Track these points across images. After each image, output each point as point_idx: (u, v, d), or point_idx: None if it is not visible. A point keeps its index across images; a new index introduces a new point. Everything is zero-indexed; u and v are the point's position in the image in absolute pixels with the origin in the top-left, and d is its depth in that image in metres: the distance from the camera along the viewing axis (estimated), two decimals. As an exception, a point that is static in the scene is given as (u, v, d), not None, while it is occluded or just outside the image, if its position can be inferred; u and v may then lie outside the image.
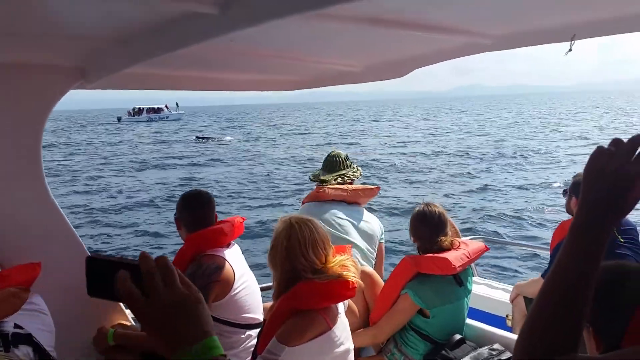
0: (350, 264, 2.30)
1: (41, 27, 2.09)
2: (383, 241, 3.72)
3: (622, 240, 3.20)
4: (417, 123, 68.72)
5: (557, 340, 1.00)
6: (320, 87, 3.50)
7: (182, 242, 2.99)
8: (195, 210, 2.96)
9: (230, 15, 1.57)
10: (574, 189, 3.52)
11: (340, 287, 2.21)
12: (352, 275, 2.24)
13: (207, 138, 49.32)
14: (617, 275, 1.21)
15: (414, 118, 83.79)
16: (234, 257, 2.95)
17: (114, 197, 20.64)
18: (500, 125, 55.66)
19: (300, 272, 2.23)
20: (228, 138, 49.14)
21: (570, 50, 2.04)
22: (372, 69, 2.98)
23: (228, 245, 2.98)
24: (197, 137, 50.63)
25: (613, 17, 1.97)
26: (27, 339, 2.08)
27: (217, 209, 3.06)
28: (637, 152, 0.98)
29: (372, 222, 3.65)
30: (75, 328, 2.84)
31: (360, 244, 3.49)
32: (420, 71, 2.97)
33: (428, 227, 3.03)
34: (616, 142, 1.00)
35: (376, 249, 3.62)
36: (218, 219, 3.05)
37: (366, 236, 3.56)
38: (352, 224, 3.54)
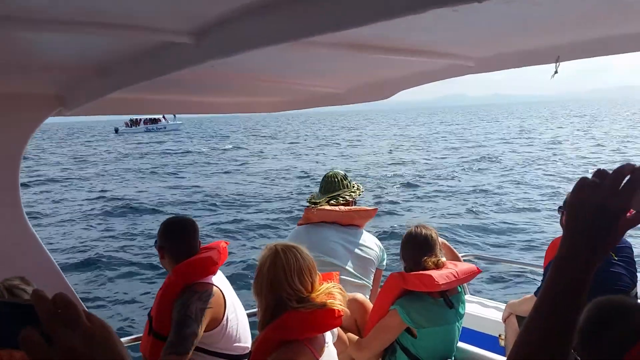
0: (337, 292, 2.24)
1: (19, 57, 2.05)
2: (383, 267, 3.56)
3: (616, 258, 3.16)
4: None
5: None
6: (305, 108, 3.47)
7: (164, 269, 2.91)
8: (180, 239, 2.88)
9: (205, 45, 1.54)
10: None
11: (326, 317, 2.15)
12: (339, 304, 2.18)
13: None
14: (605, 315, 1.17)
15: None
16: (223, 285, 2.88)
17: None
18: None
19: (286, 301, 2.17)
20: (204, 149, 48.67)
21: (556, 72, 2.02)
22: (356, 91, 2.96)
23: (215, 273, 2.91)
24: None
25: (597, 39, 1.95)
26: None
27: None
28: (622, 185, 0.94)
29: (370, 246, 3.47)
30: None
31: (352, 269, 3.34)
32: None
33: (413, 248, 3.00)
34: (600, 173, 0.97)
35: (373, 275, 3.46)
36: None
37: (361, 261, 3.40)
38: (345, 247, 3.40)
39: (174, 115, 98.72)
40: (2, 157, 2.68)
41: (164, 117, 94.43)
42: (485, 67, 2.28)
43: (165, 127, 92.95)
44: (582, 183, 0.98)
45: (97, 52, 1.95)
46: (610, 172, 0.96)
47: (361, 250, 3.43)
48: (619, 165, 0.95)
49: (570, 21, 1.81)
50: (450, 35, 1.97)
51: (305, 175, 27.99)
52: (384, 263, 3.59)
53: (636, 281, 3.30)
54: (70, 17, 1.45)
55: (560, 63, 1.99)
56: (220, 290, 2.77)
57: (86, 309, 0.86)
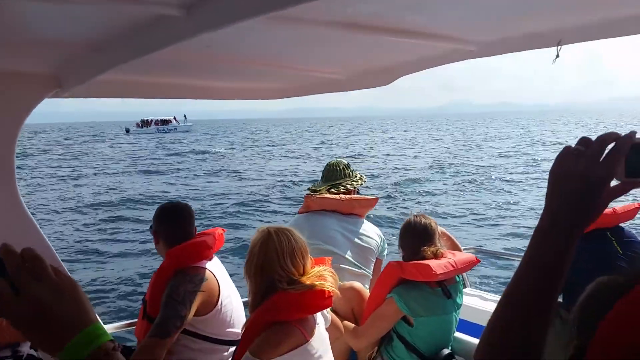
0: (328, 274, 2.23)
1: (12, 34, 2.02)
2: (383, 257, 3.53)
3: (620, 252, 3.10)
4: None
5: (517, 342, 0.92)
6: (306, 95, 3.42)
7: (158, 254, 2.89)
8: (176, 224, 2.86)
9: (195, 17, 1.51)
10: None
11: (315, 297, 2.14)
12: (329, 285, 2.16)
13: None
14: (595, 289, 1.13)
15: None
16: (218, 270, 2.86)
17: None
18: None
19: (277, 282, 2.15)
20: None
21: (557, 56, 1.98)
22: (356, 76, 2.91)
23: (210, 259, 2.88)
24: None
25: (599, 21, 1.91)
26: None
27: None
28: (606, 152, 0.91)
29: (370, 235, 3.45)
30: None
31: (351, 258, 3.31)
32: (409, 87, 2.98)
33: (412, 237, 2.96)
34: (584, 141, 0.93)
35: (373, 264, 3.43)
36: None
37: (361, 250, 3.37)
38: (345, 236, 3.37)
39: (185, 117, 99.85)
40: None
41: (174, 118, 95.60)
42: (487, 51, 2.23)
43: (176, 129, 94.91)
44: (566, 151, 0.94)
45: (89, 27, 1.92)
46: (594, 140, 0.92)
47: (361, 239, 3.40)
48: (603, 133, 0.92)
49: (572, 3, 1.77)
50: (451, 17, 1.93)
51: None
52: (385, 253, 3.56)
53: None
54: None
55: (562, 47, 1.94)
56: (214, 276, 2.75)
57: (60, 266, 0.88)
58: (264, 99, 3.69)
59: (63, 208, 19.61)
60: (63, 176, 30.03)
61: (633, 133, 0.85)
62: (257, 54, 2.51)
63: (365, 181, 3.68)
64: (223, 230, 3.04)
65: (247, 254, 2.25)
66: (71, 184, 26.96)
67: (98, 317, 0.93)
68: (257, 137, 76.66)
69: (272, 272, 2.16)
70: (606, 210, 3.22)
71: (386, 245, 3.57)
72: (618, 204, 3.23)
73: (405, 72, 2.70)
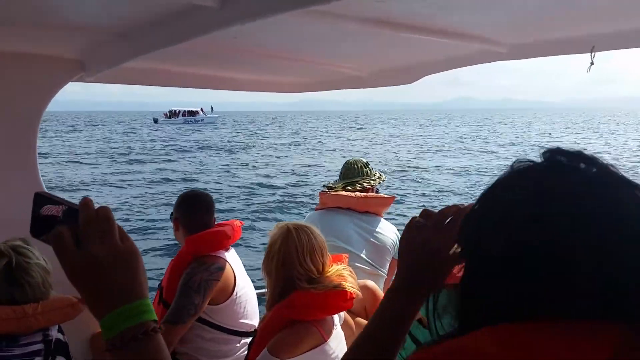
0: (347, 274, 2.20)
1: (40, 17, 2.03)
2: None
3: None
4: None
5: None
6: (328, 90, 3.41)
7: (177, 241, 2.90)
8: (197, 212, 2.87)
9: (229, 8, 1.50)
10: None
11: (337, 298, 2.11)
12: (350, 286, 2.14)
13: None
14: None
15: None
16: (234, 261, 2.87)
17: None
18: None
19: (296, 280, 2.13)
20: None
21: (592, 63, 1.94)
22: (381, 74, 2.89)
23: (227, 249, 2.89)
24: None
25: (633, 29, 1.87)
26: (65, 349, 2.14)
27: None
28: (445, 224, 0.99)
29: (387, 234, 3.40)
30: (71, 326, 2.76)
31: (366, 257, 3.29)
32: (416, 82, 2.88)
33: None
34: (425, 214, 1.03)
35: (388, 264, 3.40)
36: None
37: (376, 249, 3.33)
38: (360, 234, 3.34)
39: (212, 108, 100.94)
40: (21, 118, 2.67)
41: (202, 109, 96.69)
42: (517, 54, 2.20)
43: (202, 120, 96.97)
44: (410, 223, 1.04)
45: (118, 14, 1.91)
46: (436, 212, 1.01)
47: (377, 238, 3.37)
48: (445, 206, 1.00)
49: (607, 10, 1.74)
50: (484, 17, 1.90)
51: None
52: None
53: None
54: None
55: (595, 54, 1.91)
56: (231, 266, 2.76)
57: (126, 233, 0.89)
58: (285, 92, 3.68)
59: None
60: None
61: (472, 204, 0.86)
62: (282, 48, 2.49)
63: (384, 180, 3.66)
64: (241, 222, 3.05)
65: (266, 250, 2.23)
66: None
67: None
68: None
69: (292, 269, 2.13)
70: None
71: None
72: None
73: (431, 71, 2.67)
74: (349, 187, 3.50)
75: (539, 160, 0.74)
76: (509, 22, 1.94)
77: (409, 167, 30.09)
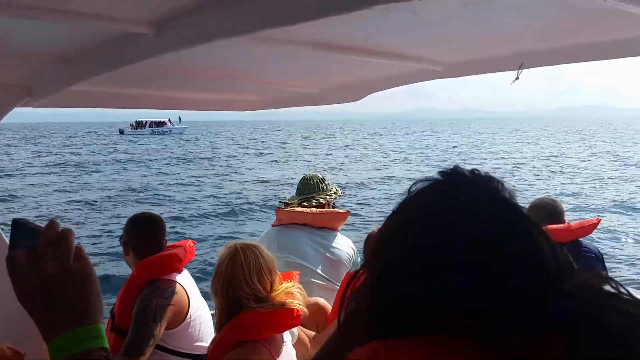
0: (296, 291, 2.24)
1: None
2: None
3: (576, 265, 3.18)
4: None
5: None
6: (281, 107, 3.46)
7: (129, 267, 2.87)
8: (147, 236, 2.84)
9: (164, 36, 1.53)
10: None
11: (284, 316, 2.14)
12: (297, 303, 2.17)
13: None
14: None
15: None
16: (188, 283, 2.85)
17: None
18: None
19: (243, 300, 2.15)
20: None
21: (517, 78, 2.05)
22: (330, 92, 2.96)
23: (180, 271, 2.88)
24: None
25: (559, 47, 1.98)
26: None
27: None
28: None
29: (342, 249, 3.45)
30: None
31: (322, 272, 3.32)
32: (378, 92, 2.97)
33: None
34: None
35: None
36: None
37: (331, 263, 3.37)
38: (317, 250, 3.38)
39: (179, 119, 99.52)
40: None
41: (169, 120, 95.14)
42: (453, 72, 2.29)
43: (170, 131, 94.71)
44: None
45: (61, 41, 1.92)
46: None
47: (333, 253, 3.41)
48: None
49: (535, 29, 1.84)
50: (419, 39, 1.98)
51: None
52: (358, 265, 3.57)
53: None
54: (29, 2, 1.43)
55: (522, 71, 2.01)
56: (184, 289, 2.74)
57: (82, 250, 0.88)
58: (241, 110, 3.71)
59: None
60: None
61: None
62: (232, 69, 2.53)
63: (340, 195, 3.71)
64: (194, 242, 3.04)
65: (214, 272, 2.25)
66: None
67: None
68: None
69: (238, 289, 2.16)
70: (561, 226, 3.34)
71: (359, 259, 3.58)
72: (581, 217, 3.35)
73: (376, 89, 2.75)
74: (305, 203, 3.53)
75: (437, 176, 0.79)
76: (442, 42, 2.03)
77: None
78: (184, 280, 2.81)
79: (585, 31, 1.76)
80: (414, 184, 0.81)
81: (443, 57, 2.22)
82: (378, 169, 34.03)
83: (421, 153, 49.47)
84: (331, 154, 46.92)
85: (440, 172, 0.80)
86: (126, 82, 2.65)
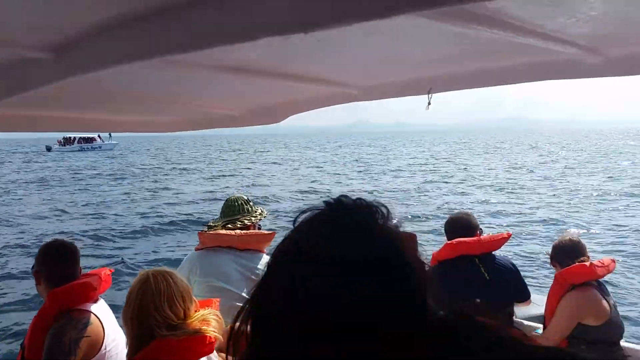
0: (212, 318, 2.19)
1: None
2: None
3: (488, 278, 3.31)
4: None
5: None
6: (202, 129, 3.42)
7: (41, 297, 2.72)
8: (59, 264, 2.71)
9: (65, 60, 1.48)
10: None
11: (197, 344, 2.09)
12: (212, 330, 2.13)
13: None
14: None
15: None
16: (103, 313, 2.73)
17: None
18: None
19: (155, 328, 2.09)
20: None
21: (429, 103, 2.13)
22: (250, 114, 2.96)
23: (95, 301, 2.75)
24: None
25: (464, 73, 2.08)
26: None
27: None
28: None
29: None
30: None
31: (247, 294, 3.27)
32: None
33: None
34: None
35: None
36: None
37: None
38: (242, 273, 3.31)
39: (110, 134, 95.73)
40: None
41: (99, 136, 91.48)
42: (368, 95, 2.36)
43: (100, 147, 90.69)
44: None
45: None
46: None
47: (258, 275, 3.36)
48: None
49: (440, 56, 1.93)
50: (334, 63, 2.03)
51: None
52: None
53: (512, 300, 3.48)
54: None
55: (433, 95, 2.10)
56: (99, 319, 2.62)
57: None
58: (159, 132, 3.63)
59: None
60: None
61: None
62: (144, 92, 2.48)
63: (265, 216, 3.68)
64: (110, 270, 2.93)
65: (125, 300, 2.17)
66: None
67: None
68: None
69: (149, 317, 2.09)
70: (471, 239, 3.44)
71: None
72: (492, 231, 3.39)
73: (296, 111, 2.78)
74: (229, 225, 3.48)
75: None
76: (357, 67, 2.09)
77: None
78: (99, 310, 2.69)
79: (482, 59, 1.86)
80: (299, 214, 0.82)
81: (359, 81, 2.28)
82: (312, 183, 34.25)
83: (354, 165, 50.10)
84: (262, 170, 46.76)
85: (324, 202, 0.81)
86: (35, 106, 2.54)
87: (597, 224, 18.97)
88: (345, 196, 0.81)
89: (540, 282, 10.72)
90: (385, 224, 0.77)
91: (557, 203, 22.94)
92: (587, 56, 1.76)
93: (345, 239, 0.72)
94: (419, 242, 1.03)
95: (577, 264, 3.21)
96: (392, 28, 1.40)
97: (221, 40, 1.13)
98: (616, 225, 18.57)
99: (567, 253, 3.33)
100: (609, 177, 33.86)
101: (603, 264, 3.25)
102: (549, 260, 3.54)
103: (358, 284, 0.68)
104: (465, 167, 44.94)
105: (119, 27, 1.37)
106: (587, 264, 3.20)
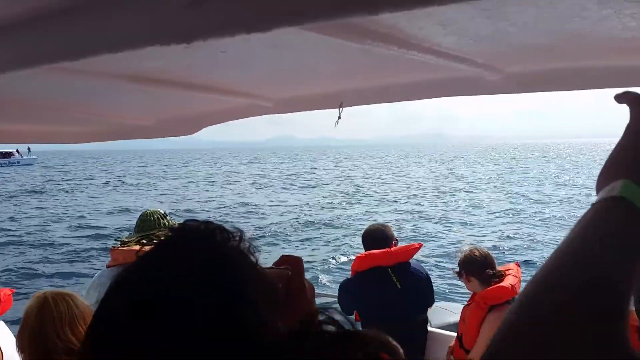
0: None
1: None
2: None
3: (400, 286, 3.39)
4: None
5: None
6: (114, 140, 3.28)
7: None
8: None
9: None
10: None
11: None
12: None
13: None
14: None
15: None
16: (1, 336, 2.55)
17: None
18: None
19: (53, 354, 1.96)
20: None
21: (339, 117, 2.15)
22: (164, 125, 2.87)
23: (-7, 323, 2.56)
24: None
25: (374, 87, 2.12)
26: None
27: None
28: None
29: None
30: None
31: None
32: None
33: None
34: None
35: None
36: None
37: None
38: None
39: (29, 149, 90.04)
40: None
41: (17, 151, 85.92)
42: (282, 108, 2.35)
43: (18, 162, 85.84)
44: None
45: None
46: None
47: None
48: None
49: (350, 71, 1.95)
50: (247, 75, 2.00)
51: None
52: None
53: (424, 307, 3.58)
54: None
55: (344, 109, 2.12)
56: None
57: None
58: (72, 143, 3.45)
59: None
60: None
61: None
62: (52, 99, 2.34)
63: None
64: (11, 290, 2.74)
65: (21, 323, 2.03)
66: None
67: None
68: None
69: (48, 342, 1.96)
70: (381, 251, 3.51)
71: None
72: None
73: (210, 122, 2.73)
74: (144, 241, 3.35)
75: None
76: (267, 80, 2.07)
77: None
78: None
79: (387, 74, 1.91)
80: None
81: (271, 94, 2.26)
82: (240, 197, 34.11)
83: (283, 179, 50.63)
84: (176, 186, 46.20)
85: (170, 228, 0.80)
86: None
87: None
88: (190, 222, 0.78)
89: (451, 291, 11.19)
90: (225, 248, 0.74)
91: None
92: (486, 73, 1.83)
93: (187, 268, 0.70)
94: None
95: (495, 285, 3.19)
96: (292, 43, 1.40)
97: (105, 47, 1.08)
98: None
99: (481, 265, 3.33)
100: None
101: (516, 275, 3.26)
102: (455, 276, 3.52)
103: (194, 319, 0.65)
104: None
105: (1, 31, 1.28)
106: (507, 284, 3.15)
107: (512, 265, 3.41)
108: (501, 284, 3.20)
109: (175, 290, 0.67)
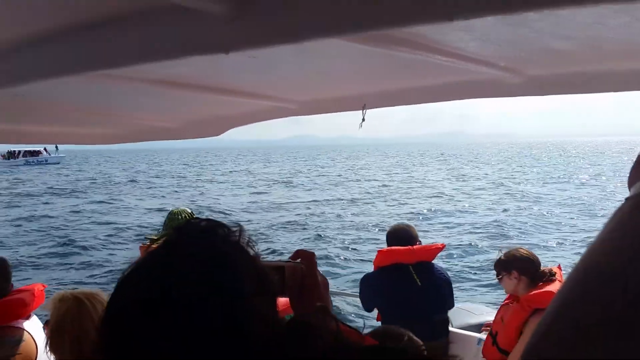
0: None
1: None
2: None
3: (420, 284, 3.39)
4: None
5: None
6: (140, 141, 3.37)
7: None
8: None
9: None
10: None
11: None
12: None
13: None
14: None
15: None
16: (36, 330, 2.64)
17: None
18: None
19: (94, 355, 1.96)
20: None
21: (363, 120, 2.19)
22: (189, 126, 2.96)
23: (28, 317, 2.66)
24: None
25: (397, 90, 2.17)
26: None
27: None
28: None
29: None
30: None
31: None
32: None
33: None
34: None
35: None
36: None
37: None
38: None
39: (56, 147, 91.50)
40: None
41: (45, 149, 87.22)
42: (305, 110, 2.41)
43: (46, 160, 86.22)
44: None
45: None
46: None
47: None
48: None
49: (373, 74, 2.00)
50: (272, 79, 2.06)
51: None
52: None
53: (444, 307, 3.59)
54: None
55: (367, 110, 2.17)
56: (32, 336, 2.54)
57: None
58: (99, 144, 3.56)
59: None
60: None
61: None
62: (81, 104, 2.44)
63: None
64: (44, 285, 2.84)
65: (52, 327, 2.00)
66: None
67: None
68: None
69: (87, 343, 1.91)
70: (404, 248, 3.49)
71: None
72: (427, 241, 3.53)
73: (237, 124, 2.80)
74: None
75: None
76: (293, 83, 2.13)
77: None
78: (32, 327, 2.60)
79: (411, 78, 1.95)
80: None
81: (296, 97, 2.32)
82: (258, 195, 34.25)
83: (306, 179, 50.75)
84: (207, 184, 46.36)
85: (174, 228, 0.83)
86: None
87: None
88: (192, 222, 0.81)
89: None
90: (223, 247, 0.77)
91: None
92: (508, 76, 1.86)
93: (188, 266, 0.74)
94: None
95: (542, 288, 3.07)
96: (318, 49, 1.46)
97: (147, 57, 1.15)
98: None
99: (536, 264, 3.20)
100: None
101: (560, 280, 3.11)
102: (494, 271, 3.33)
103: (192, 317, 0.69)
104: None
105: (45, 41, 1.36)
106: (555, 289, 2.98)
107: (555, 268, 3.30)
108: (548, 288, 3.09)
109: (177, 290, 0.70)
